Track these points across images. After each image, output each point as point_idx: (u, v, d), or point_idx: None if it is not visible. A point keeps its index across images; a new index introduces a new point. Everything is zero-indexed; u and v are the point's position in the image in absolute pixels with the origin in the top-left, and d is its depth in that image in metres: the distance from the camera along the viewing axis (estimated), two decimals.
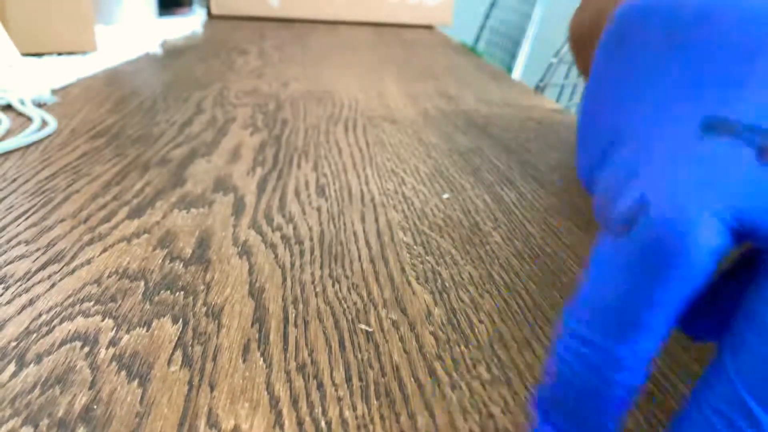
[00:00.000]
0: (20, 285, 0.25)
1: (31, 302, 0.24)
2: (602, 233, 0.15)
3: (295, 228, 0.32)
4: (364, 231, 0.32)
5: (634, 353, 0.14)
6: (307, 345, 0.23)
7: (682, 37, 0.17)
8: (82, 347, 0.22)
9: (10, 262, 0.27)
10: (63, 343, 0.22)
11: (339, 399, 0.20)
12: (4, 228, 0.30)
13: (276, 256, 0.29)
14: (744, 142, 0.14)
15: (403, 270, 0.28)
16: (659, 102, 0.17)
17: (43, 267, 0.27)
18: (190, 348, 0.22)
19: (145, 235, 0.30)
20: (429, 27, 1.40)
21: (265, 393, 0.20)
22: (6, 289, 0.25)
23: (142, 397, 0.20)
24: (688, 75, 0.17)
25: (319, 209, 0.35)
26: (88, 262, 0.27)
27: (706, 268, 0.14)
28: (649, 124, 0.17)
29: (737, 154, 0.14)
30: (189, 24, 1.10)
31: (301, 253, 0.29)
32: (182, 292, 0.25)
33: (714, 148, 0.15)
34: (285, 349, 0.22)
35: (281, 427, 0.19)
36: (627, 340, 0.14)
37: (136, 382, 0.20)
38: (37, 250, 0.28)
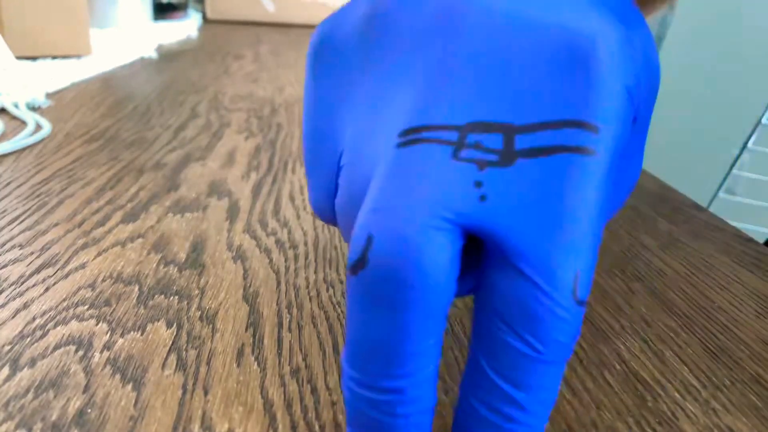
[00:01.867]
0: (14, 289, 0.25)
1: (25, 306, 0.24)
2: (347, 272, 0.15)
3: (289, 232, 0.32)
4: None
5: (412, 383, 0.14)
6: (301, 349, 0.23)
7: (372, 47, 0.17)
8: (76, 351, 0.22)
9: (4, 266, 0.27)
10: (57, 347, 0.22)
11: (333, 403, 0.20)
12: None
13: (270, 261, 0.29)
14: (435, 143, 0.15)
15: None
16: (365, 118, 0.17)
17: (37, 271, 0.27)
18: (184, 352, 0.22)
19: (140, 240, 0.30)
20: None
21: (259, 397, 0.20)
22: (0, 293, 0.25)
23: (136, 401, 0.20)
24: (378, 90, 0.17)
25: (313, 214, 0.35)
26: (83, 266, 0.27)
27: (447, 279, 0.14)
28: (362, 141, 0.17)
29: (432, 157, 0.14)
30: (184, 28, 1.10)
31: (296, 258, 0.30)
32: (176, 297, 0.26)
33: (412, 156, 0.15)
34: (279, 354, 0.22)
35: (275, 430, 0.19)
36: (399, 375, 0.14)
37: (130, 386, 0.20)
38: (32, 254, 0.28)
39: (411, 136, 0.15)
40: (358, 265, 0.14)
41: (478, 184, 0.14)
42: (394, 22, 0.17)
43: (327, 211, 0.19)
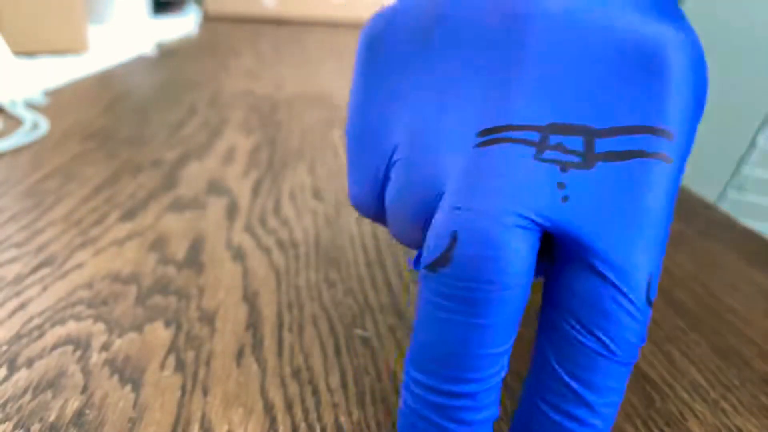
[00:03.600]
0: (11, 288, 0.25)
1: (22, 306, 0.24)
2: (422, 272, 0.15)
3: (290, 231, 0.32)
4: (360, 234, 0.32)
5: (485, 389, 0.14)
6: (302, 350, 0.22)
7: (434, 46, 0.17)
8: (74, 351, 0.21)
9: (2, 266, 0.27)
10: (55, 347, 0.22)
11: (334, 405, 0.20)
12: None
13: (270, 260, 0.29)
14: (518, 143, 0.15)
15: (400, 274, 0.28)
16: (430, 116, 0.17)
17: (34, 270, 0.26)
18: (183, 352, 0.22)
19: (138, 239, 0.30)
20: None
21: (260, 398, 0.20)
22: None
23: (134, 402, 0.19)
24: (444, 88, 0.17)
25: (314, 212, 0.34)
26: (80, 265, 0.27)
27: (527, 278, 0.14)
28: (427, 139, 0.17)
29: (515, 157, 0.15)
30: (183, 24, 1.09)
31: (296, 257, 0.29)
32: (175, 296, 0.25)
33: (495, 155, 0.15)
34: (279, 354, 0.22)
35: None
36: (473, 379, 0.14)
37: (128, 387, 0.20)
38: (29, 253, 0.28)
39: (491, 136, 0.15)
40: (439, 262, 0.14)
41: (561, 185, 0.14)
42: (456, 23, 0.17)
43: (371, 206, 0.19)
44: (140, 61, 0.77)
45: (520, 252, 0.14)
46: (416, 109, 0.17)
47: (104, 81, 0.65)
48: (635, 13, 0.15)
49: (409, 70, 0.18)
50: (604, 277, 0.14)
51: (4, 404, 0.19)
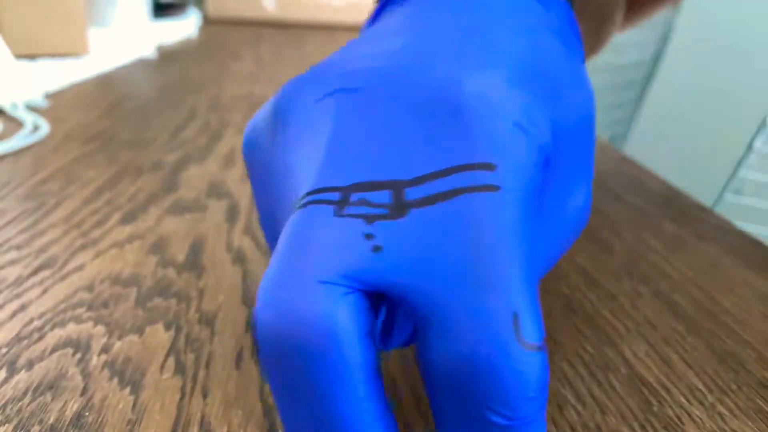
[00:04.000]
0: (12, 290, 0.25)
1: (22, 308, 0.24)
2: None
3: None
4: None
5: None
6: None
7: (273, 140, 0.18)
8: (74, 354, 0.22)
9: (2, 268, 0.27)
10: (55, 349, 0.22)
11: None
12: None
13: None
14: (317, 204, 0.14)
15: None
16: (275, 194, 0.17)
17: (35, 272, 0.26)
18: (183, 355, 0.22)
19: (138, 241, 0.30)
20: None
21: (259, 401, 0.20)
22: None
23: (134, 404, 0.19)
24: (288, 165, 0.17)
25: None
26: (81, 267, 0.27)
27: (358, 339, 0.13)
28: (269, 214, 0.18)
29: (314, 218, 0.14)
30: (184, 27, 1.09)
31: None
32: (175, 299, 0.25)
33: (295, 222, 0.14)
34: None
35: None
36: None
37: (128, 389, 0.20)
38: (29, 255, 0.28)
39: (303, 200, 0.15)
40: (259, 350, 0.14)
41: (369, 236, 0.13)
42: (293, 109, 0.17)
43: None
44: (141, 64, 0.77)
45: (329, 314, 0.12)
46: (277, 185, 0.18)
47: (105, 84, 0.65)
48: (446, 60, 0.15)
49: (268, 159, 0.18)
50: (456, 338, 0.12)
51: (4, 406, 0.19)
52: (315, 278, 0.13)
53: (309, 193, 0.15)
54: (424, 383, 0.13)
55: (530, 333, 0.12)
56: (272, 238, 0.19)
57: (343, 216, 0.14)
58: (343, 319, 0.12)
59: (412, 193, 0.14)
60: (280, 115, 0.17)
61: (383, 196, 0.14)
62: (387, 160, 0.15)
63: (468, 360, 0.12)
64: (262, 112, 0.19)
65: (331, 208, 0.14)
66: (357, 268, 0.13)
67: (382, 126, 0.15)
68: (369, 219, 0.14)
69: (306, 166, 0.16)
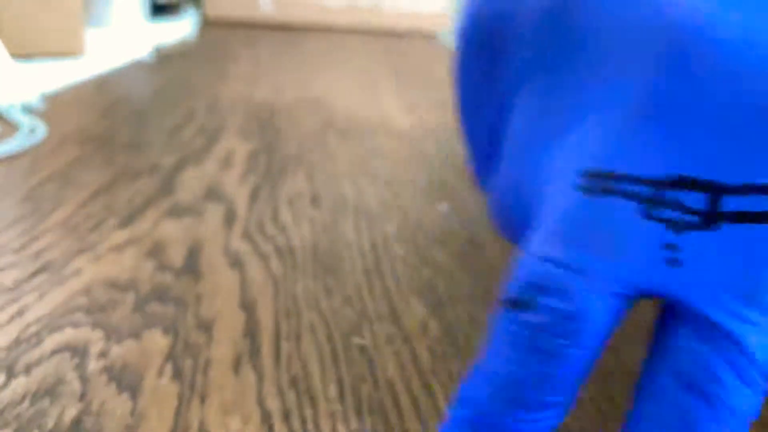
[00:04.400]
0: (9, 295, 0.25)
1: (20, 312, 0.24)
2: (502, 302, 0.15)
3: (287, 238, 0.32)
4: (358, 242, 0.32)
5: (538, 428, 0.14)
6: (299, 358, 0.22)
7: (559, 53, 0.16)
8: (71, 358, 0.22)
9: None
10: (52, 354, 0.22)
11: (332, 414, 0.20)
12: None
13: (268, 267, 0.29)
14: (627, 197, 0.13)
15: (398, 282, 0.28)
16: (537, 127, 0.16)
17: (32, 276, 0.26)
18: (180, 360, 0.22)
19: (135, 245, 0.30)
20: (426, 34, 1.40)
21: (257, 407, 0.20)
22: None
23: (132, 410, 0.19)
24: (558, 101, 0.16)
25: (312, 219, 0.35)
26: (78, 272, 0.27)
27: (603, 339, 0.14)
28: (529, 152, 0.16)
29: (623, 213, 0.13)
30: (181, 28, 1.09)
31: (294, 265, 0.29)
32: (173, 304, 0.25)
33: (599, 209, 0.14)
34: (277, 363, 0.22)
35: None
36: (530, 419, 0.14)
37: (126, 394, 0.20)
38: (26, 259, 0.28)
39: (598, 183, 0.14)
40: (521, 305, 0.14)
41: (672, 246, 0.13)
42: (589, 27, 0.15)
43: (483, 182, 0.19)
44: (138, 66, 0.77)
45: (604, 318, 0.13)
46: (525, 110, 0.17)
47: (102, 85, 0.65)
48: None
49: (522, 65, 0.17)
50: (718, 349, 0.13)
51: (2, 411, 0.19)
52: (610, 277, 0.13)
53: (611, 175, 0.14)
54: (647, 372, 0.14)
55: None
56: (475, 124, 0.18)
57: (651, 219, 0.13)
58: (614, 317, 0.13)
59: (729, 203, 0.13)
60: (569, 25, 0.15)
61: (698, 200, 0.13)
62: (713, 154, 0.13)
63: (717, 369, 0.13)
64: None
65: (639, 207, 0.13)
66: (648, 279, 0.13)
67: (720, 112, 0.13)
68: (678, 226, 0.13)
69: (595, 121, 0.14)
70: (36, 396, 0.20)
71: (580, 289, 0.13)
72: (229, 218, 0.34)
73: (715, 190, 0.13)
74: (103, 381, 0.21)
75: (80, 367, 0.21)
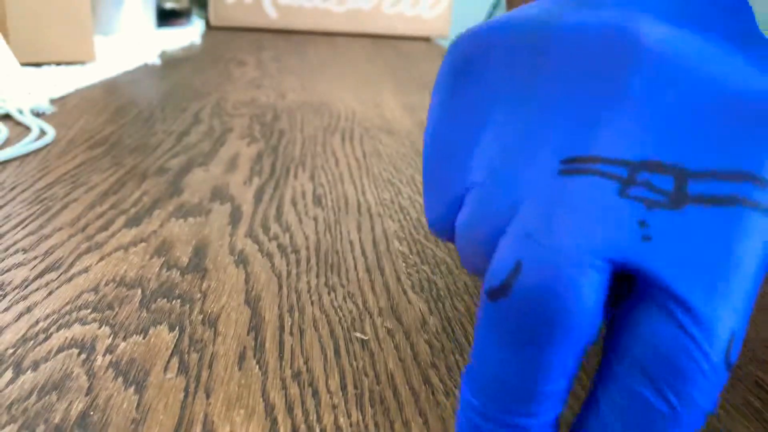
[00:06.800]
0: (18, 292, 0.25)
1: (28, 309, 0.24)
2: (482, 296, 0.15)
3: (291, 237, 0.32)
4: (360, 240, 0.32)
5: (540, 424, 0.14)
6: (302, 353, 0.23)
7: (527, 68, 0.17)
8: (79, 354, 0.22)
9: (8, 270, 0.27)
10: (60, 350, 0.22)
11: (334, 406, 0.20)
12: (2, 236, 0.30)
13: (272, 265, 0.29)
14: (604, 177, 0.14)
15: (398, 279, 0.29)
16: (514, 142, 0.16)
17: (40, 275, 0.27)
18: (186, 355, 0.22)
19: (142, 244, 0.30)
20: (426, 39, 1.41)
21: (261, 400, 0.20)
22: (4, 296, 0.25)
23: (138, 404, 0.20)
24: (534, 116, 0.16)
25: (315, 219, 0.35)
26: (86, 270, 0.28)
27: (593, 321, 0.13)
28: (507, 165, 0.16)
29: (599, 191, 0.14)
30: (187, 35, 1.10)
31: (298, 262, 0.30)
32: (179, 300, 0.26)
33: (577, 187, 0.14)
34: (281, 357, 0.22)
35: None
36: (530, 413, 0.14)
37: (132, 389, 0.20)
38: (35, 258, 0.28)
39: (576, 165, 0.15)
40: (498, 292, 0.14)
41: (643, 223, 0.14)
42: (556, 51, 0.16)
43: (447, 230, 0.19)
44: (145, 70, 0.78)
45: (587, 291, 0.13)
46: (499, 136, 0.17)
47: (110, 89, 0.65)
48: (754, 69, 0.14)
49: (498, 95, 0.17)
50: (682, 327, 0.13)
51: (10, 406, 0.19)
52: (586, 248, 0.13)
53: (589, 159, 0.14)
54: (606, 355, 0.14)
55: (734, 354, 0.13)
56: (445, 168, 0.18)
57: (627, 198, 0.14)
58: (596, 291, 0.13)
59: (694, 186, 0.14)
60: (539, 53, 0.16)
61: (666, 182, 0.14)
62: (677, 142, 0.14)
63: (682, 347, 0.13)
64: (501, 36, 0.17)
65: (616, 185, 0.14)
66: (623, 252, 0.13)
67: (675, 109, 0.14)
68: (648, 205, 0.14)
69: (569, 119, 0.15)
70: (43, 391, 0.20)
71: (558, 263, 0.13)
72: (235, 218, 0.34)
73: (680, 173, 0.14)
74: (109, 376, 0.21)
75: (87, 363, 0.21)
